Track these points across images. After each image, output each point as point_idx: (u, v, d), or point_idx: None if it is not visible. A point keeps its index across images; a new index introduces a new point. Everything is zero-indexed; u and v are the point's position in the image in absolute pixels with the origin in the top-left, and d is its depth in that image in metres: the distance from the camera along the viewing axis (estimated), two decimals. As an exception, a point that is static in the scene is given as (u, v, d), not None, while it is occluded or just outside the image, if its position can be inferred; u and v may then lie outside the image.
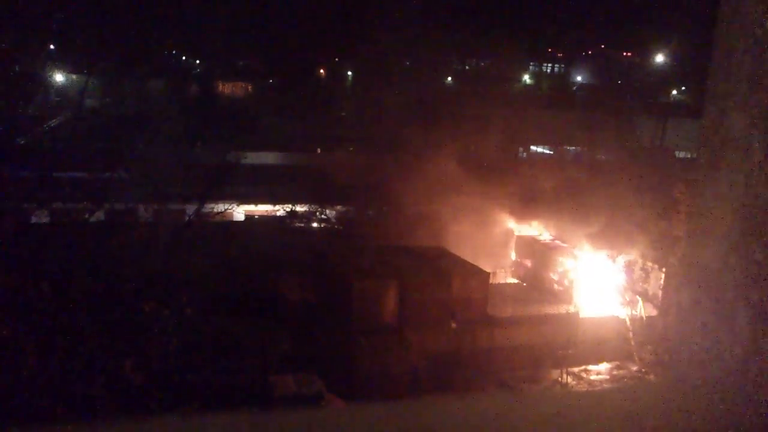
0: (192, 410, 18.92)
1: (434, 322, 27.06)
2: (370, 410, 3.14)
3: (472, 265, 29.86)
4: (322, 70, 77.59)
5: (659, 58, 70.16)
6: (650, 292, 31.20)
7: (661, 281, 30.76)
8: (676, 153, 60.88)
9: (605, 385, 27.38)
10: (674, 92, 78.72)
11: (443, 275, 28.10)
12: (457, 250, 31.82)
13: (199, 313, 26.80)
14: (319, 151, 58.50)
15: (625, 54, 79.80)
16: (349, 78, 76.51)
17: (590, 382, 27.62)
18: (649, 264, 31.26)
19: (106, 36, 52.57)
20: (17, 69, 36.97)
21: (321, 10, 67.24)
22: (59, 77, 57.61)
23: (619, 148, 56.37)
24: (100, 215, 36.14)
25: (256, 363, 25.06)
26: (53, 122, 50.56)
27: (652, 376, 26.70)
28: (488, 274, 29.65)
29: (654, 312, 30.19)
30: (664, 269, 30.41)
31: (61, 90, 57.98)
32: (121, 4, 55.82)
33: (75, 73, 58.89)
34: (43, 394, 18.86)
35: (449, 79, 73.87)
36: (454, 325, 27.26)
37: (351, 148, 55.47)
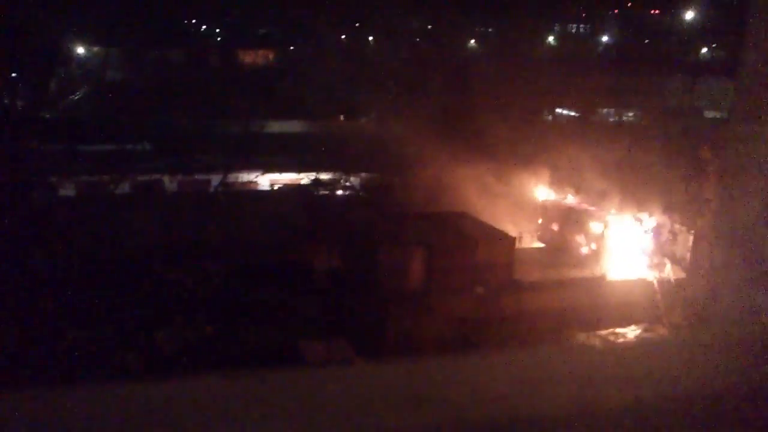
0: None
1: (460, 287, 27.01)
2: (396, 368, 3.11)
3: (498, 230, 29.68)
4: (343, 36, 76.92)
5: (688, 15, 68.60)
6: (678, 255, 30.83)
7: (690, 243, 30.38)
8: (705, 113, 59.80)
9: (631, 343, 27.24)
10: (704, 50, 76.98)
11: (468, 240, 27.97)
12: (482, 215, 31.64)
13: (228, 283, 27.10)
14: (342, 118, 58.31)
15: (652, 12, 78.09)
16: (370, 43, 75.85)
17: (617, 345, 27.50)
18: (677, 226, 30.86)
19: (125, 6, 52.50)
20: (39, 42, 37.08)
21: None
22: (80, 50, 57.72)
23: (646, 109, 55.51)
24: (125, 187, 36.47)
25: (287, 330, 25.29)
26: (76, 95, 50.83)
27: (681, 339, 26.48)
28: (514, 238, 29.45)
29: (682, 274, 29.87)
30: (692, 231, 30.02)
31: (83, 62, 58.13)
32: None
33: (96, 45, 58.98)
34: (78, 365, 19.22)
35: (472, 41, 72.91)
36: (480, 290, 27.21)
37: (373, 115, 55.21)
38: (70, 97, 49.67)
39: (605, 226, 31.60)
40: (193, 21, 74.69)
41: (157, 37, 57.52)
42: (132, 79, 53.70)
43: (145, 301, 23.76)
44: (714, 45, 75.86)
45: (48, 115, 41.68)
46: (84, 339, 20.83)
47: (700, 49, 76.57)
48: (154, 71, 55.95)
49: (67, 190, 34.36)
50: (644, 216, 31.09)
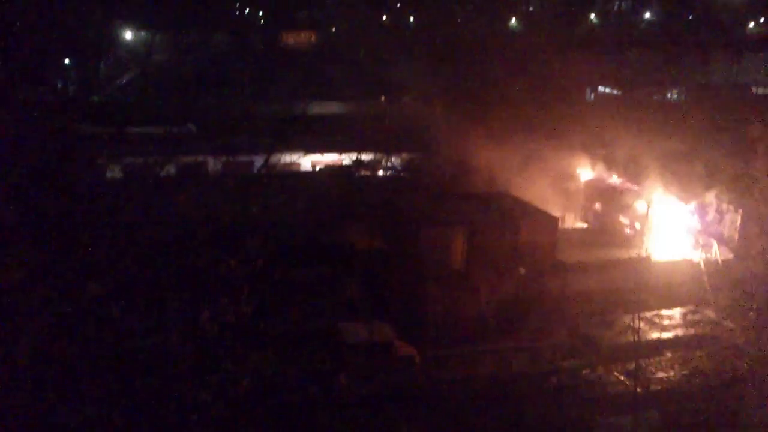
0: (265, 358, 19.47)
1: (502, 267, 26.99)
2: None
3: (540, 210, 29.53)
4: (384, 17, 76.65)
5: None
6: (725, 235, 30.32)
7: (738, 223, 29.84)
8: (754, 89, 58.37)
9: (679, 331, 26.95)
10: (751, 24, 74.86)
11: (511, 220, 27.88)
12: (525, 195, 31.49)
13: (269, 263, 27.42)
14: (383, 99, 58.24)
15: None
16: (412, 23, 75.50)
17: (663, 327, 27.24)
18: (725, 206, 30.32)
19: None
20: (90, 30, 37.85)
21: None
22: (128, 34, 58.60)
23: (691, 87, 54.44)
24: (170, 169, 36.99)
25: (327, 311, 25.54)
26: (124, 79, 51.67)
27: (728, 322, 26.07)
28: (557, 218, 29.27)
29: (730, 255, 29.38)
30: (740, 211, 29.48)
31: (130, 47, 59.01)
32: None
33: (142, 30, 59.80)
34: (121, 347, 19.70)
35: (513, 21, 72.12)
36: (522, 270, 27.13)
37: (414, 95, 55.06)
38: (117, 81, 50.53)
39: (649, 206, 31.23)
40: (237, 3, 75.20)
41: (202, 20, 58.05)
42: (177, 63, 54.39)
43: (188, 281, 24.14)
44: (762, 19, 73.73)
45: (97, 99, 42.50)
46: (126, 321, 21.30)
47: (748, 23, 74.53)
48: (198, 54, 56.52)
49: (115, 172, 35.05)
50: (690, 195, 30.65)
